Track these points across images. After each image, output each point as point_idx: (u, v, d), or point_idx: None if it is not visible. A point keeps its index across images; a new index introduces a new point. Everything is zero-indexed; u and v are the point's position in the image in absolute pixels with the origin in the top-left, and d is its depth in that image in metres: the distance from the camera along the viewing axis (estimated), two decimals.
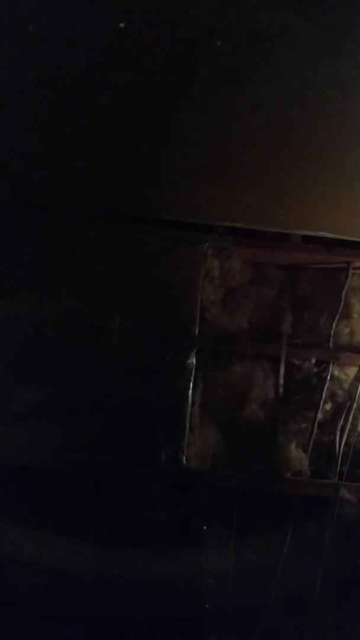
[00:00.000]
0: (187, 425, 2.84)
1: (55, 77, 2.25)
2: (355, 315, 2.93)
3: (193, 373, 2.84)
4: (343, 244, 2.85)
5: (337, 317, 2.89)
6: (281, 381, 2.91)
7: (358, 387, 2.90)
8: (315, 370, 2.92)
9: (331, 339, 2.89)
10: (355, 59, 2.10)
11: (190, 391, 2.84)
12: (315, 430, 2.90)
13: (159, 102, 2.34)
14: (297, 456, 2.92)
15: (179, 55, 2.17)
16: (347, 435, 2.91)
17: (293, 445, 2.92)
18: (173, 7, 2.06)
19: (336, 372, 2.91)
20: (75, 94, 2.31)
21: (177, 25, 2.04)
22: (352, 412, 2.91)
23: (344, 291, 2.88)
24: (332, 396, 2.93)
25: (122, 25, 2.04)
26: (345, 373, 2.93)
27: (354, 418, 2.91)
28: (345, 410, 2.91)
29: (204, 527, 2.81)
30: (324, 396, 2.89)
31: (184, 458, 2.83)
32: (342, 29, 2.01)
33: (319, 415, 2.90)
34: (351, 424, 2.91)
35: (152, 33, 2.11)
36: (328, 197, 2.73)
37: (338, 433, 2.91)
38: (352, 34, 2.01)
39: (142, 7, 2.03)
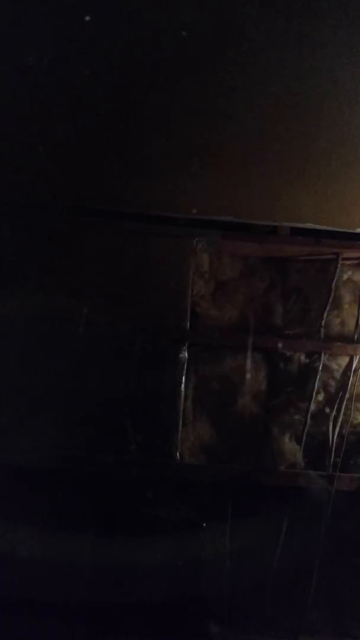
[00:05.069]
0: (180, 420, 2.84)
1: (20, 72, 2.24)
2: (346, 306, 2.93)
3: (185, 367, 2.84)
4: (332, 235, 2.85)
5: (327, 308, 2.89)
6: (248, 375, 2.91)
7: (350, 376, 2.91)
8: (306, 361, 2.93)
9: (322, 330, 2.90)
10: (320, 49, 2.10)
11: (183, 386, 2.84)
12: (309, 421, 2.90)
13: (127, 93, 2.33)
14: (291, 448, 2.92)
15: (145, 47, 2.17)
16: (340, 426, 2.91)
17: (287, 438, 2.93)
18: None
19: (328, 363, 2.91)
20: (40, 88, 2.30)
21: (142, 17, 2.05)
22: (344, 402, 2.91)
23: (334, 282, 2.89)
24: (324, 386, 2.94)
25: (87, 17, 2.04)
26: (337, 363, 2.93)
27: (347, 408, 2.92)
28: (338, 400, 2.92)
29: (200, 522, 2.80)
30: (316, 387, 2.90)
31: (177, 454, 2.83)
32: (306, 18, 2.02)
33: (312, 406, 2.91)
34: (344, 414, 2.92)
35: (116, 25, 2.11)
36: (316, 189, 2.73)
37: (331, 424, 2.91)
38: (314, 24, 2.02)
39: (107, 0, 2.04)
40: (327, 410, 2.93)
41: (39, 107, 2.42)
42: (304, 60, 2.17)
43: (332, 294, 2.89)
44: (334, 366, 2.92)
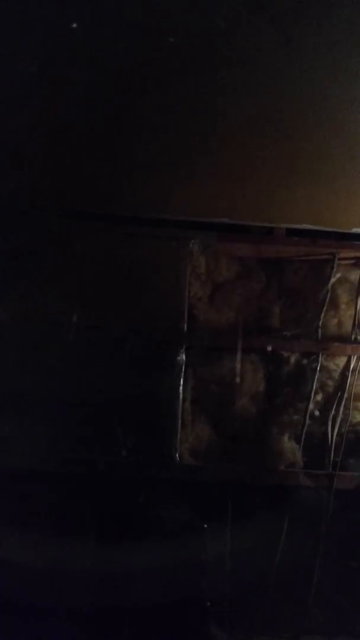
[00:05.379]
0: (179, 422, 2.86)
1: (10, 77, 2.25)
2: (343, 306, 2.93)
3: (183, 369, 2.86)
4: (328, 235, 2.85)
5: (324, 308, 2.90)
6: (244, 377, 2.92)
7: (348, 376, 2.91)
8: (304, 361, 2.93)
9: (319, 330, 2.90)
10: (309, 50, 2.09)
11: (181, 388, 2.86)
12: (307, 421, 2.91)
13: (118, 96, 2.33)
14: (290, 448, 2.93)
15: (134, 51, 2.17)
16: (339, 425, 2.92)
17: (286, 437, 2.94)
18: (127, 3, 2.06)
19: (325, 363, 2.92)
20: (30, 93, 2.31)
21: (131, 22, 2.05)
22: (343, 402, 2.92)
23: (330, 282, 2.89)
24: (322, 387, 2.94)
25: (76, 20, 2.05)
26: (334, 363, 2.94)
27: (345, 408, 2.92)
28: (337, 400, 2.92)
29: (200, 522, 2.82)
30: (314, 387, 2.90)
31: (177, 455, 2.85)
32: (291, 21, 2.01)
33: (311, 406, 2.91)
34: (342, 413, 2.92)
35: (105, 29, 2.11)
36: (311, 190, 2.73)
37: (330, 423, 2.92)
38: (300, 26, 2.01)
39: (96, 4, 2.03)
40: (326, 410, 2.94)
41: (29, 111, 2.43)
42: (294, 61, 2.16)
43: (329, 294, 2.89)
44: (332, 366, 2.93)
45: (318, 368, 2.90)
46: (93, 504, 2.79)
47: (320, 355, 2.90)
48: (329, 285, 2.89)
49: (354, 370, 2.90)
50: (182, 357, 2.86)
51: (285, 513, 2.89)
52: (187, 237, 2.87)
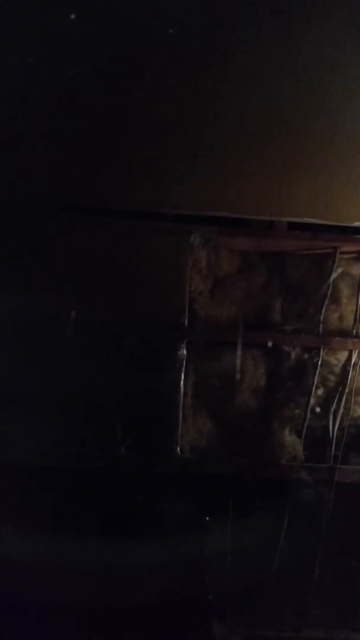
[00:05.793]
0: (180, 416, 2.86)
1: (8, 73, 2.23)
2: (344, 300, 2.92)
3: (184, 364, 2.86)
4: (329, 229, 2.83)
5: (325, 303, 2.89)
6: (246, 371, 2.92)
7: (349, 371, 2.90)
8: (305, 356, 2.92)
9: (321, 325, 2.89)
10: (308, 46, 2.07)
11: (182, 382, 2.86)
12: (309, 415, 2.91)
13: (115, 93, 2.31)
14: (292, 442, 2.94)
15: (131, 45, 2.15)
16: (340, 419, 2.92)
17: (287, 431, 2.94)
18: None
19: (327, 357, 2.91)
20: (26, 88, 2.30)
21: (128, 15, 2.03)
22: (344, 396, 2.91)
23: (332, 276, 2.88)
24: (323, 381, 2.94)
25: (72, 16, 2.02)
26: (336, 358, 2.93)
27: (347, 402, 2.92)
28: (338, 394, 2.92)
29: (202, 516, 2.83)
30: (315, 381, 2.90)
31: (178, 449, 2.86)
32: (292, 14, 1.98)
33: (312, 401, 2.91)
34: (344, 407, 2.92)
35: (102, 24, 2.09)
36: (312, 184, 2.72)
37: (331, 417, 2.92)
38: (301, 19, 1.99)
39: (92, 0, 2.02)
40: (327, 404, 2.94)
41: (27, 106, 2.41)
42: (294, 55, 2.14)
43: (330, 288, 2.88)
44: (333, 361, 2.92)
45: (319, 362, 2.89)
46: (94, 499, 2.80)
47: (321, 349, 2.89)
48: (330, 280, 2.88)
49: (355, 364, 2.90)
50: (183, 351, 2.86)
51: (286, 507, 2.90)
52: (188, 231, 2.86)
